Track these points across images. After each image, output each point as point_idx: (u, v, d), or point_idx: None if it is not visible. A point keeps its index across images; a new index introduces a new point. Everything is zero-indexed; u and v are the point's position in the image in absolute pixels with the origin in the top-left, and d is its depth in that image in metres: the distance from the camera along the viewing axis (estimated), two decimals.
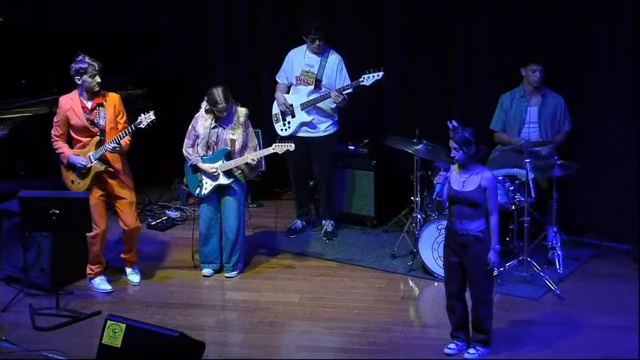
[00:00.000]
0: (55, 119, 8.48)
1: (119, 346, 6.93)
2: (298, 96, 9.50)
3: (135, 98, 10.23)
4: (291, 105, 9.52)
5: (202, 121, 8.72)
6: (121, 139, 8.30)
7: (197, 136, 8.72)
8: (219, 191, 8.78)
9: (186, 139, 8.80)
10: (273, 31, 10.66)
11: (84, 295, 8.52)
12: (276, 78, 9.68)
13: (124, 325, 6.96)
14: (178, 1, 11.22)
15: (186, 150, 8.79)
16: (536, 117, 9.11)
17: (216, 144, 8.70)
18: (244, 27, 10.88)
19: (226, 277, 8.88)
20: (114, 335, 6.94)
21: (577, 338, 7.63)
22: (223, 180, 8.69)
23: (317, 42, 9.36)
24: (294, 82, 9.54)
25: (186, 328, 7.39)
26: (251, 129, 8.82)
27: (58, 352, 7.35)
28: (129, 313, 7.77)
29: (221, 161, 8.67)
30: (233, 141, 8.66)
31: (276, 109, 9.66)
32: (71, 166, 8.44)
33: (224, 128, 8.67)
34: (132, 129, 8.30)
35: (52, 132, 8.46)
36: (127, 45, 10.74)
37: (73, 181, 8.49)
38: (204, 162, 8.71)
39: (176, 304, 8.40)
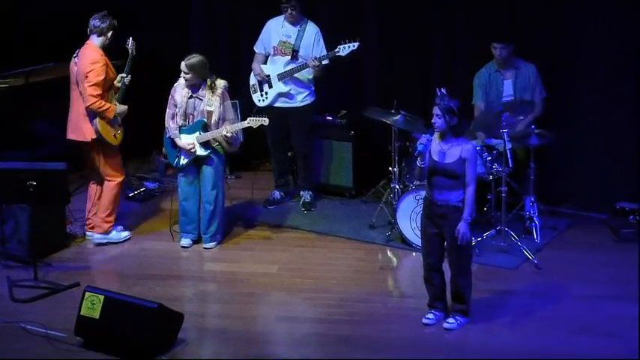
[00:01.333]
0: (98, 78, 8.48)
1: (98, 317, 6.95)
2: (275, 66, 9.47)
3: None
4: (268, 75, 9.49)
5: (180, 90, 8.70)
6: (128, 74, 8.74)
7: (175, 105, 8.70)
8: (198, 162, 8.76)
9: (167, 110, 8.77)
10: (252, 0, 10.62)
11: (62, 266, 8.49)
12: (254, 48, 9.65)
13: (103, 296, 6.97)
14: None
15: (168, 121, 8.77)
16: (512, 89, 9.13)
17: (192, 115, 8.68)
18: None
19: (204, 248, 8.88)
20: (92, 307, 6.95)
21: (554, 307, 7.67)
22: (201, 151, 8.67)
23: (289, 11, 9.33)
24: (272, 52, 9.51)
25: (164, 299, 7.38)
26: (229, 102, 8.78)
27: (36, 324, 7.34)
28: (107, 285, 7.77)
29: (198, 132, 8.65)
30: (210, 113, 8.62)
31: (253, 80, 9.63)
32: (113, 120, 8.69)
33: (201, 100, 8.64)
34: (131, 63, 8.70)
35: (94, 92, 8.48)
36: None
37: (116, 135, 8.72)
38: (182, 132, 8.68)
39: (155, 275, 8.39)
